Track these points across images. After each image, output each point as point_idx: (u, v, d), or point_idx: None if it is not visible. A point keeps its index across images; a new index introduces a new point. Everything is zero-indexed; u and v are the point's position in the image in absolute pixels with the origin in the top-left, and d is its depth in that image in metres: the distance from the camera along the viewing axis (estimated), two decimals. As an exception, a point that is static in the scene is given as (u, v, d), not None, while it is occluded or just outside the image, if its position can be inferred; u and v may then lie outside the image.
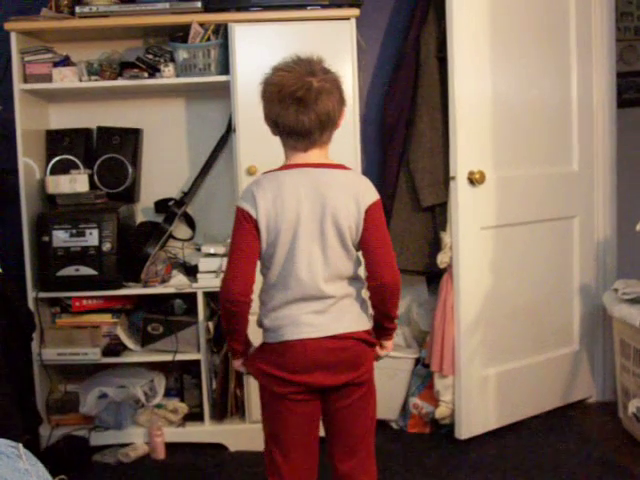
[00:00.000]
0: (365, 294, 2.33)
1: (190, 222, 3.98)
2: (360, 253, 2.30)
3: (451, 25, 3.45)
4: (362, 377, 2.30)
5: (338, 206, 2.19)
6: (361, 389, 2.31)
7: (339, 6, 3.54)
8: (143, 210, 4.01)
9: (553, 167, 3.86)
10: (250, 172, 3.49)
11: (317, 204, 2.20)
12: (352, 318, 2.28)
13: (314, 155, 2.25)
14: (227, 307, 2.26)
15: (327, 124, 2.21)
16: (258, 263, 2.28)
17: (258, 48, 3.48)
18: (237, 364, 2.45)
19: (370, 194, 2.26)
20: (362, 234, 2.23)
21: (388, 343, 2.44)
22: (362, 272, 2.32)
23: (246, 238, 2.22)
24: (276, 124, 2.22)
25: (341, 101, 2.24)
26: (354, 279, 2.30)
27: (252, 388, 3.52)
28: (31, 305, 3.53)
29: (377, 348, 2.42)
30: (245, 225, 2.22)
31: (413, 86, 3.85)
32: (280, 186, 2.21)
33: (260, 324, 2.33)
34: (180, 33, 3.63)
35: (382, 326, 2.37)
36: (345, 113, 2.29)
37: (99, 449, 3.64)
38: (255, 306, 2.29)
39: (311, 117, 2.16)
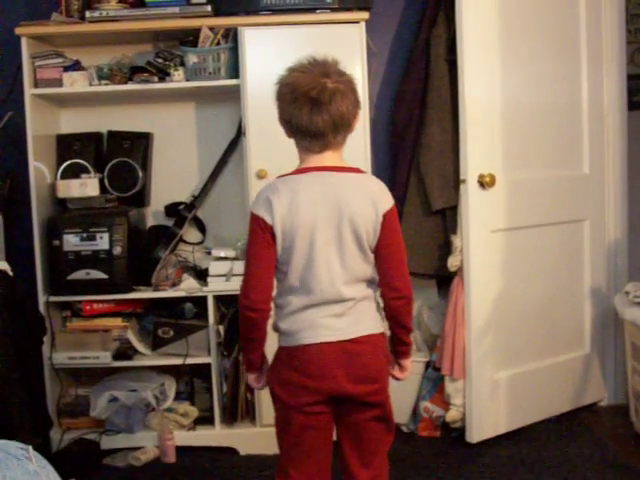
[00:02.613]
0: (379, 297, 2.33)
1: (200, 226, 3.99)
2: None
3: (461, 28, 3.45)
4: (378, 396, 2.27)
5: (356, 210, 2.18)
6: (375, 410, 2.29)
7: (348, 9, 3.54)
8: (153, 214, 4.02)
9: (564, 170, 3.86)
10: (260, 176, 3.49)
11: (334, 208, 2.18)
12: (369, 320, 2.26)
13: (329, 157, 2.24)
14: (247, 315, 2.24)
15: (341, 126, 2.19)
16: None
17: (268, 52, 3.48)
18: (251, 378, 2.43)
19: (387, 199, 2.26)
20: (379, 242, 2.22)
21: (406, 362, 2.41)
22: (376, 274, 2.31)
23: (262, 245, 2.21)
24: (290, 125, 2.20)
25: (356, 104, 2.22)
26: (371, 281, 2.28)
27: (262, 392, 3.51)
28: (42, 309, 3.54)
29: (396, 371, 2.41)
30: (260, 232, 2.20)
31: (423, 89, 3.84)
32: (296, 190, 2.19)
33: (276, 328, 2.32)
34: (190, 37, 3.63)
35: (399, 340, 2.35)
36: (359, 116, 2.27)
37: (110, 452, 3.64)
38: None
39: (325, 118, 2.14)
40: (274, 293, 2.29)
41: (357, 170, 2.28)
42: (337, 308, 2.22)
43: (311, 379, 2.21)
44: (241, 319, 2.29)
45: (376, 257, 2.25)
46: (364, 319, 2.25)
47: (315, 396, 2.23)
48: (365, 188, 2.23)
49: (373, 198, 2.21)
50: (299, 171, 2.26)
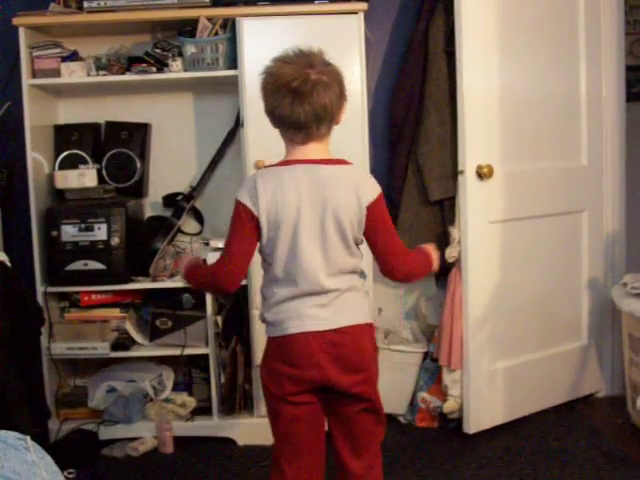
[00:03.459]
0: (367, 287, 2.35)
1: (198, 216, 3.99)
2: (362, 247, 2.29)
3: (459, 19, 3.44)
4: (363, 387, 2.28)
5: (339, 202, 2.19)
6: (363, 403, 2.30)
7: (347, 0, 3.54)
8: (151, 204, 4.02)
9: (562, 161, 3.86)
10: (258, 166, 3.49)
11: (318, 200, 2.19)
12: (354, 310, 2.27)
13: (313, 149, 2.24)
14: (215, 290, 2.59)
15: (324, 118, 2.18)
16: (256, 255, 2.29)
17: (266, 42, 3.47)
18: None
19: (371, 189, 2.25)
20: (370, 235, 2.24)
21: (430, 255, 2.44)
22: (364, 266, 2.34)
23: (243, 232, 2.22)
24: (273, 115, 2.21)
25: (341, 95, 2.22)
26: (356, 272, 2.30)
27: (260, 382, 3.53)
28: (40, 299, 3.54)
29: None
30: (245, 219, 2.21)
31: (421, 80, 3.84)
32: (281, 182, 2.20)
33: (263, 319, 2.33)
34: (188, 27, 3.63)
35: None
36: (346, 108, 2.27)
37: (108, 443, 3.65)
38: (257, 301, 2.30)
39: (306, 109, 2.14)
40: (260, 284, 2.32)
41: (342, 162, 2.28)
42: (321, 299, 2.23)
43: (296, 368, 2.23)
44: (202, 284, 2.46)
45: (372, 249, 2.28)
46: (349, 309, 2.26)
47: (300, 385, 2.24)
48: (349, 180, 2.23)
49: (357, 190, 2.21)
50: (284, 163, 2.27)
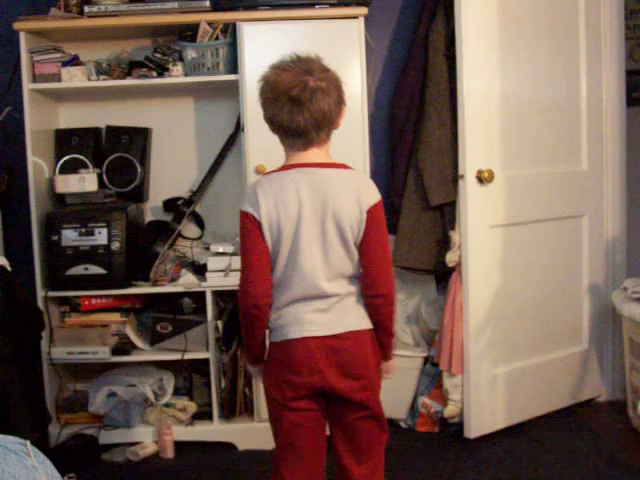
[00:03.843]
0: None
1: (199, 221, 3.99)
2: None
3: (460, 23, 3.44)
4: (364, 393, 2.27)
5: (339, 206, 2.19)
6: (364, 410, 2.29)
7: (347, 5, 3.54)
8: (152, 209, 4.02)
9: (562, 166, 3.85)
10: (259, 171, 3.49)
11: (318, 204, 2.19)
12: (355, 316, 2.27)
13: (314, 154, 2.24)
14: (251, 312, 2.24)
15: (323, 124, 2.18)
16: None
17: (266, 47, 3.47)
18: (254, 371, 2.44)
19: (371, 194, 2.25)
20: (362, 239, 2.22)
21: (387, 365, 2.41)
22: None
23: (256, 240, 2.21)
24: (272, 123, 2.22)
25: (339, 100, 2.22)
26: (356, 277, 2.29)
27: (261, 387, 3.52)
28: (40, 304, 3.54)
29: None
30: (253, 228, 2.21)
31: (422, 85, 3.84)
32: (281, 187, 2.20)
33: None
34: (188, 32, 3.63)
35: (380, 342, 2.34)
36: (345, 112, 2.27)
37: (108, 447, 3.64)
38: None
39: (306, 116, 2.14)
40: None
41: (343, 166, 2.28)
42: (321, 304, 2.23)
43: (296, 373, 2.22)
44: (244, 317, 2.28)
45: (359, 254, 2.25)
46: (349, 315, 2.26)
47: (300, 391, 2.24)
48: (350, 184, 2.23)
49: (358, 194, 2.21)
50: (284, 168, 2.27)
